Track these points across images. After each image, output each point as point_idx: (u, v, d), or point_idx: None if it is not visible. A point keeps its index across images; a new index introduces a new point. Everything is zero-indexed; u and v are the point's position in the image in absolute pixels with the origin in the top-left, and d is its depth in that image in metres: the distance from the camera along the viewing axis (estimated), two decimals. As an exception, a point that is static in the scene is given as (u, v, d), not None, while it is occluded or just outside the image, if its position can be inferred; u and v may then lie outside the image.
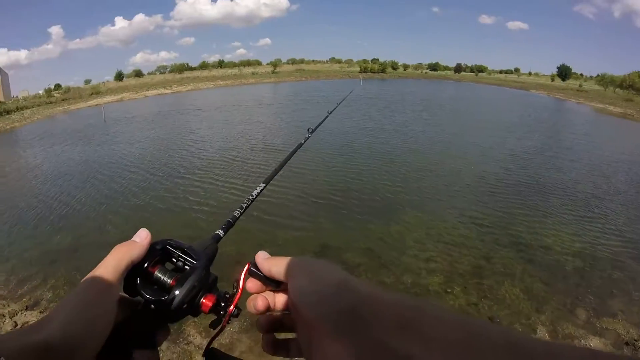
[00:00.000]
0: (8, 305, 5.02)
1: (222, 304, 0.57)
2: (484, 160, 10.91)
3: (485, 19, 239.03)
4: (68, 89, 69.42)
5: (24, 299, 5.10)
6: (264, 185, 0.83)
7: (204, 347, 0.58)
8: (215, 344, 0.59)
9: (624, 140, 18.14)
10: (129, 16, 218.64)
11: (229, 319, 0.57)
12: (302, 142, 1.18)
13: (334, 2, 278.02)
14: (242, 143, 13.32)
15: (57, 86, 75.13)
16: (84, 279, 0.49)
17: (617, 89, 56.53)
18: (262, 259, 0.58)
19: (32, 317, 4.73)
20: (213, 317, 0.57)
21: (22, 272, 5.81)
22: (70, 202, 8.60)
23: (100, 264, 0.51)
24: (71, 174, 11.16)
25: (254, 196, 0.79)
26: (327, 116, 1.70)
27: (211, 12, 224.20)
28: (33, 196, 9.49)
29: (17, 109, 40.03)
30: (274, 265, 0.56)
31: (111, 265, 0.51)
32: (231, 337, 4.17)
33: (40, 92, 67.69)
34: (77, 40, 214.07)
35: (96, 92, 57.28)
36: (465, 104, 29.82)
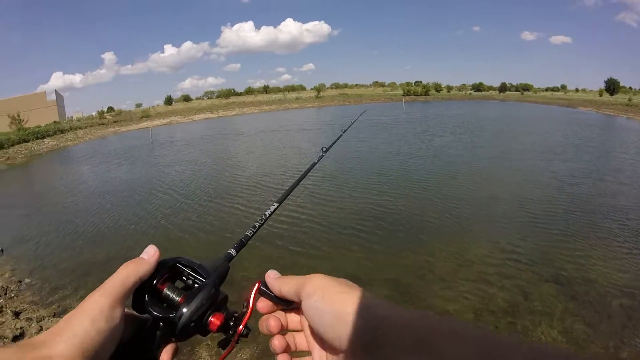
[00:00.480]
0: (37, 310, 5.21)
1: (231, 324, 0.56)
2: (525, 186, 10.23)
3: (528, 35, 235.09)
4: (119, 112, 73.00)
5: (53, 306, 5.28)
6: (277, 204, 0.82)
7: None
8: None
9: None
10: (177, 44, 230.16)
11: (238, 339, 0.56)
12: (316, 161, 1.18)
13: (374, 26, 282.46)
14: (275, 169, 13.41)
15: (110, 109, 78.97)
16: (91, 294, 0.49)
17: None
18: (273, 278, 0.57)
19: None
20: (223, 336, 0.56)
21: (56, 280, 6.05)
22: (107, 219, 8.92)
23: (107, 280, 0.51)
24: (113, 192, 11.68)
25: (267, 215, 0.79)
26: (340, 135, 1.70)
27: (255, 39, 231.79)
28: (75, 211, 9.98)
29: (71, 128, 42.56)
30: (285, 284, 0.55)
31: (118, 282, 0.51)
32: (243, 362, 4.07)
33: (93, 113, 71.44)
34: (129, 66, 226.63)
35: (146, 115, 59.99)
36: (509, 124, 28.68)
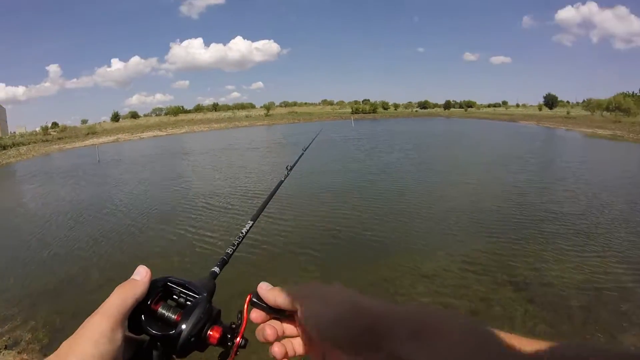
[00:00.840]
0: (-15, 345, 4.91)
1: (229, 336, 0.57)
2: (474, 199, 10.61)
3: (469, 56, 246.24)
4: (64, 128, 69.87)
5: (3, 338, 4.90)
6: (252, 222, 0.85)
7: None
8: None
9: (617, 162, 18.58)
10: (124, 58, 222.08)
11: (237, 350, 0.58)
12: (283, 179, 1.22)
13: (322, 46, 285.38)
14: (224, 189, 13.10)
15: (54, 124, 75.37)
16: (89, 318, 0.50)
17: (604, 112, 57.81)
18: (266, 290, 0.60)
19: (9, 356, 4.61)
20: (218, 350, 0.58)
21: (2, 311, 5.60)
22: (54, 244, 8.43)
23: (103, 304, 0.51)
24: (58, 214, 11.02)
25: (244, 233, 0.81)
26: (302, 153, 1.73)
27: (204, 56, 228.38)
28: (16, 235, 9.34)
29: (14, 144, 40.24)
30: (279, 295, 0.58)
31: (116, 305, 0.51)
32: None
33: (37, 129, 67.94)
34: (75, 79, 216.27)
35: (92, 132, 57.72)
36: (455, 140, 29.98)
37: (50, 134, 56.43)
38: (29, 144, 42.71)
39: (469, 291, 5.66)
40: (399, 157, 19.73)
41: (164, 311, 0.56)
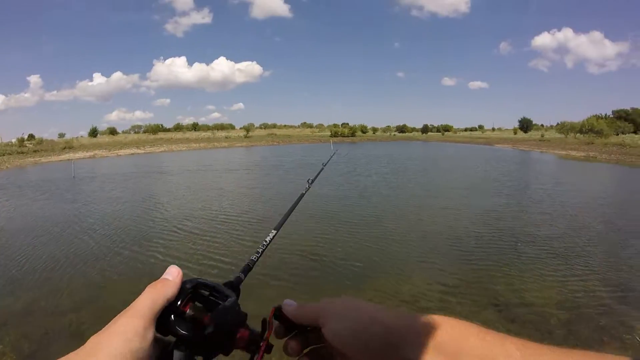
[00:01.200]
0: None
1: (253, 341, 0.58)
2: (453, 223, 10.65)
3: (448, 81, 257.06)
4: (41, 141, 68.72)
5: None
6: (275, 232, 0.87)
7: None
8: None
9: (591, 183, 19.33)
10: (107, 73, 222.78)
11: (262, 355, 0.58)
12: (304, 192, 1.24)
13: (304, 69, 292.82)
14: (198, 211, 12.69)
15: (31, 136, 74.47)
16: (119, 316, 0.49)
17: (578, 134, 60.37)
18: (291, 306, 0.62)
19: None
20: (244, 357, 0.59)
21: None
22: (22, 263, 8.05)
23: (135, 302, 0.51)
24: (29, 231, 10.57)
25: (267, 242, 0.82)
26: (322, 168, 1.77)
27: (187, 75, 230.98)
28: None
29: (-13, 155, 39.31)
30: (305, 312, 0.60)
31: (147, 303, 0.51)
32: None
33: (13, 140, 66.76)
34: (55, 92, 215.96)
35: (69, 146, 57.01)
36: (432, 163, 30.45)
37: (26, 146, 55.41)
38: (3, 155, 41.93)
39: (450, 313, 5.53)
40: (376, 180, 19.87)
41: (192, 312, 0.56)
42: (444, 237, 9.34)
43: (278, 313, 0.62)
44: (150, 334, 0.49)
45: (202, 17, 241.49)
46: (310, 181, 1.39)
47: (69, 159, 35.34)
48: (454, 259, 7.87)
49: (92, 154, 47.36)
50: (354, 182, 19.25)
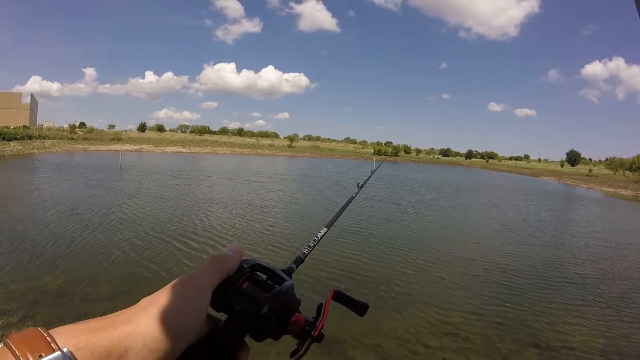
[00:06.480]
0: (-27, 336, 4.61)
1: (307, 328, 0.56)
2: (495, 256, 10.21)
3: (495, 106, 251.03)
4: (91, 129, 71.78)
5: None
6: (327, 229, 0.86)
7: None
8: None
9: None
10: (158, 72, 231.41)
11: (311, 343, 0.56)
12: (354, 195, 1.27)
13: (350, 85, 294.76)
14: (230, 220, 12.51)
15: (82, 124, 77.55)
16: (175, 281, 0.48)
17: (627, 172, 57.73)
18: None
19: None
20: (290, 345, 0.57)
21: (2, 304, 5.37)
22: (67, 244, 8.25)
23: (196, 270, 0.50)
24: (76, 215, 10.95)
25: (319, 237, 0.82)
26: (370, 175, 1.82)
27: (235, 80, 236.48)
28: (32, 228, 9.24)
29: (40, 136, 41.24)
30: None
31: (208, 274, 0.50)
32: None
33: (65, 126, 69.74)
34: (108, 85, 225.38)
35: (117, 138, 59.06)
36: (474, 192, 29.41)
37: (77, 133, 57.87)
38: (54, 138, 43.79)
39: (488, 351, 5.41)
40: (419, 208, 18.65)
41: (249, 291, 0.55)
42: (491, 271, 8.99)
43: (339, 295, 0.61)
44: (205, 302, 0.49)
45: (253, 26, 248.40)
46: (359, 186, 1.43)
47: (116, 150, 36.59)
48: (498, 293, 7.60)
49: (138, 147, 49.02)
50: (396, 203, 17.85)
